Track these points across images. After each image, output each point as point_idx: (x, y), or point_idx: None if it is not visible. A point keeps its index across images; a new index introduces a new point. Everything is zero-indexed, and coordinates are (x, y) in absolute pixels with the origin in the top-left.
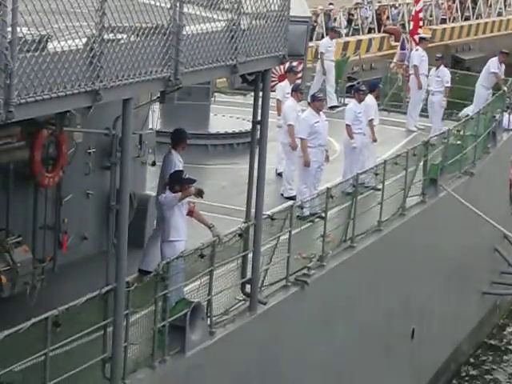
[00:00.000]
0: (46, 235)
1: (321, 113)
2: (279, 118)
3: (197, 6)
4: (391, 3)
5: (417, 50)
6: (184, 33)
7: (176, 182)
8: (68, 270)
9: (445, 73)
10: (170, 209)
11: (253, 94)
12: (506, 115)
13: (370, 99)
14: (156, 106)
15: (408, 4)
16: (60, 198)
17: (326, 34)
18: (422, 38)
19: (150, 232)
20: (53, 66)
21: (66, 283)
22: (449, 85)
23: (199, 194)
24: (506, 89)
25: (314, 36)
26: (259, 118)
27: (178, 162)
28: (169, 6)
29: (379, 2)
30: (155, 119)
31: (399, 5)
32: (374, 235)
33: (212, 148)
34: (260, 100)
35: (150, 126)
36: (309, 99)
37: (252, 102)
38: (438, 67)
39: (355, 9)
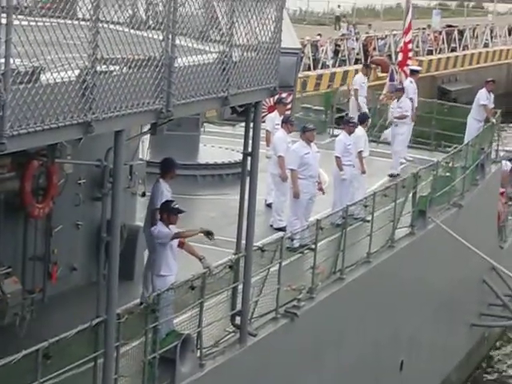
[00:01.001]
0: (35, 266)
1: (312, 144)
2: (268, 148)
3: (189, 38)
4: (378, 34)
5: (411, 82)
6: (176, 65)
7: (165, 211)
8: (57, 301)
9: (407, 103)
10: (162, 244)
11: (242, 124)
12: (494, 148)
13: (359, 131)
14: (146, 137)
15: (395, 35)
16: (50, 229)
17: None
18: (414, 71)
19: (140, 263)
20: (45, 97)
21: (56, 314)
22: (408, 114)
23: (208, 234)
24: (494, 121)
25: (301, 67)
26: (250, 150)
27: (167, 191)
28: (161, 37)
29: (366, 33)
30: (145, 150)
31: (386, 36)
32: (363, 267)
33: (201, 178)
34: (251, 131)
35: (140, 157)
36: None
37: (241, 132)
38: (399, 98)
39: (342, 40)
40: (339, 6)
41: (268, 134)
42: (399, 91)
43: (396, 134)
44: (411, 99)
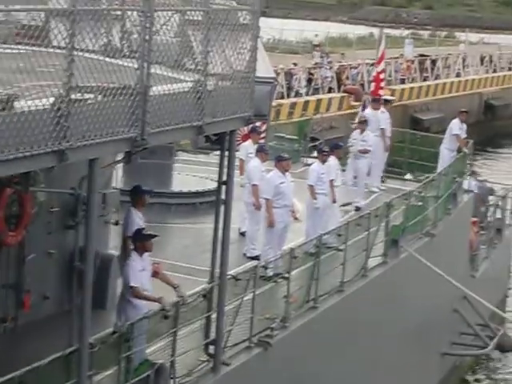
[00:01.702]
0: (7, 294)
1: (286, 173)
2: (242, 177)
3: (164, 67)
4: (351, 63)
5: (383, 112)
6: (151, 93)
7: (138, 240)
8: (30, 329)
9: (371, 137)
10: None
11: (216, 152)
12: (466, 178)
13: (332, 160)
14: (119, 165)
15: (367, 64)
16: (23, 257)
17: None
18: (386, 101)
19: (112, 292)
20: (20, 125)
21: (28, 343)
22: (371, 149)
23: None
24: (467, 151)
25: (274, 95)
26: (224, 178)
27: (139, 219)
28: (136, 66)
29: (339, 62)
30: (119, 178)
31: (358, 65)
32: (336, 296)
33: (175, 207)
34: (225, 160)
35: (114, 185)
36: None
37: (215, 161)
38: (362, 131)
39: (315, 68)
40: (316, 35)
41: (241, 163)
42: (362, 124)
43: (357, 167)
44: (382, 129)
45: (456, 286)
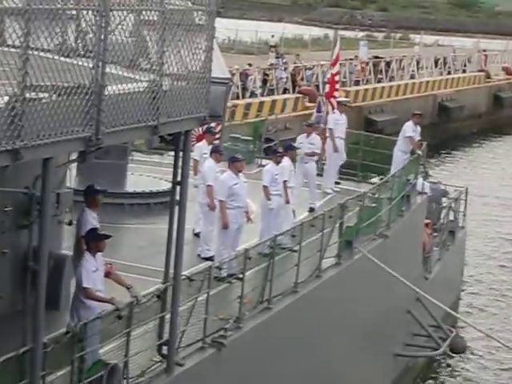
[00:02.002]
0: None
1: (240, 174)
2: (196, 177)
3: (119, 67)
4: (306, 64)
5: (334, 112)
6: (106, 93)
7: (92, 240)
8: None
9: (318, 140)
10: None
11: (170, 153)
12: (420, 179)
13: (285, 161)
14: (73, 165)
15: (322, 66)
16: None
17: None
18: (339, 102)
19: (66, 292)
20: None
21: None
22: (319, 151)
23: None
24: (420, 153)
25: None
26: (179, 179)
27: (92, 219)
28: (91, 65)
29: (294, 64)
30: (72, 178)
31: (313, 66)
32: (290, 296)
33: (129, 207)
34: (180, 160)
35: (68, 185)
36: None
37: (170, 161)
38: (309, 134)
39: (270, 69)
40: (273, 36)
41: (195, 163)
42: (309, 127)
43: (306, 171)
44: (330, 130)
45: (409, 287)
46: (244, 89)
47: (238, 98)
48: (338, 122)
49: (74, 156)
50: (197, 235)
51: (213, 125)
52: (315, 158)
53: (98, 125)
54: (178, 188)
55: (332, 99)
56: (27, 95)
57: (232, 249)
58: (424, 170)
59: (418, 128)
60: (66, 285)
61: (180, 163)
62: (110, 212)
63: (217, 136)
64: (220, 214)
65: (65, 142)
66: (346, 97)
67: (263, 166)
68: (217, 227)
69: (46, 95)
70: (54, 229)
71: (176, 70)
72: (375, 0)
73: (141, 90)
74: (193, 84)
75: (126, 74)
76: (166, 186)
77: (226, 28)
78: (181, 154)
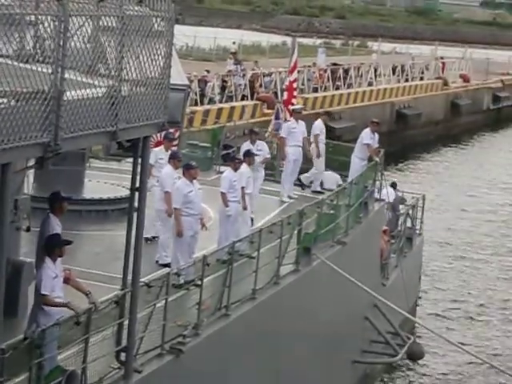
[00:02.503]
0: None
1: (194, 181)
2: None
3: (78, 72)
4: (264, 71)
5: (288, 121)
6: (65, 98)
7: (54, 245)
8: None
9: (264, 146)
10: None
11: (128, 160)
12: (389, 188)
13: (243, 167)
14: (30, 171)
15: (281, 72)
16: None
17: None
18: (293, 110)
19: (24, 299)
20: None
21: None
22: (269, 156)
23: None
24: (378, 160)
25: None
26: (137, 185)
27: (57, 225)
28: (49, 71)
29: (252, 70)
30: (30, 184)
31: (271, 73)
32: (248, 303)
33: (86, 214)
34: (139, 167)
35: (25, 191)
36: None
37: (127, 168)
38: (254, 141)
39: (228, 76)
40: (234, 43)
41: (150, 168)
42: (253, 133)
43: (257, 177)
44: (282, 138)
45: (367, 293)
46: (202, 95)
47: (196, 104)
48: (292, 131)
49: (31, 162)
50: (147, 239)
51: (171, 131)
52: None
53: (57, 130)
54: (137, 194)
55: (290, 106)
56: None
57: (188, 255)
58: (387, 177)
59: (376, 135)
60: (23, 291)
61: (138, 169)
62: (67, 218)
63: (175, 142)
64: (174, 221)
65: (23, 147)
66: (304, 104)
67: (221, 172)
68: (172, 234)
69: (5, 101)
70: (12, 235)
71: (135, 76)
72: (333, 7)
73: (99, 95)
74: (152, 90)
75: (84, 79)
76: (124, 192)
77: (185, 35)
78: (139, 160)
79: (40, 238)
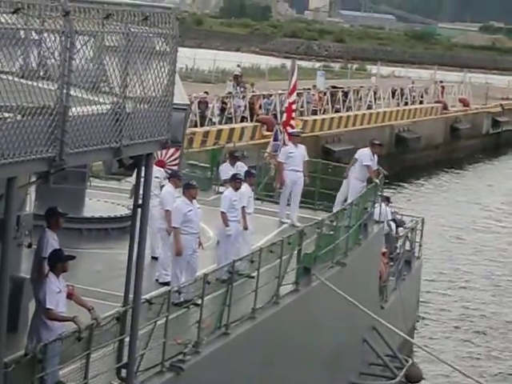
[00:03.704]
0: None
1: (194, 200)
2: None
3: (83, 90)
4: (264, 93)
5: (286, 145)
6: (70, 114)
7: (57, 260)
8: None
9: (243, 168)
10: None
11: (128, 179)
12: (383, 206)
13: (244, 187)
14: (32, 189)
15: (280, 95)
16: None
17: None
18: (292, 134)
19: (24, 315)
20: None
21: None
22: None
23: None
24: (378, 181)
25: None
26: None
27: (53, 240)
28: (55, 87)
29: (252, 92)
30: (31, 202)
31: (271, 95)
32: (248, 322)
33: (87, 232)
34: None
35: (27, 209)
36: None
37: (127, 187)
38: (234, 164)
39: (228, 98)
40: (238, 66)
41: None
42: (233, 157)
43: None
44: (280, 163)
45: (366, 315)
46: (202, 117)
47: (196, 125)
48: (290, 155)
49: (33, 178)
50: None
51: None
52: None
53: (62, 145)
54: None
55: (288, 128)
56: None
57: (190, 274)
58: (384, 197)
59: (375, 157)
60: (24, 307)
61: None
62: (67, 237)
63: (175, 162)
64: (173, 240)
65: (29, 161)
66: (304, 126)
67: (220, 193)
68: (171, 253)
69: (11, 115)
70: (14, 251)
71: (139, 93)
72: (332, 31)
73: (104, 111)
74: (155, 107)
75: (89, 96)
76: (124, 211)
77: (185, 56)
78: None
79: (37, 252)
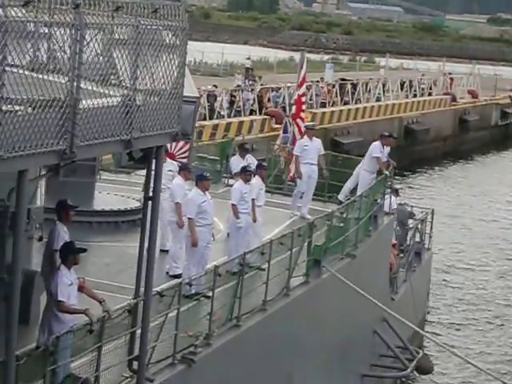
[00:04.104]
0: None
1: (206, 192)
2: None
3: (93, 82)
4: (272, 86)
5: (301, 138)
6: (80, 106)
7: (69, 252)
8: None
9: (253, 160)
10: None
11: (138, 172)
12: (390, 198)
13: (255, 179)
14: (41, 182)
15: (289, 87)
16: None
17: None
18: (305, 127)
19: (36, 308)
20: None
21: None
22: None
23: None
24: (388, 173)
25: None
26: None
27: (64, 233)
28: (65, 80)
29: (261, 85)
30: (41, 195)
31: (280, 88)
32: (258, 314)
33: (96, 225)
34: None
35: (37, 202)
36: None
37: (136, 180)
38: (244, 156)
39: (237, 91)
40: (248, 58)
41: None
42: (242, 149)
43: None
44: (296, 156)
45: (376, 307)
46: (211, 110)
47: (205, 119)
48: (305, 148)
49: (43, 171)
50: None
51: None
52: None
53: (73, 138)
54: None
55: (299, 120)
56: (3, 107)
57: (201, 266)
58: (394, 188)
59: (386, 149)
60: (35, 300)
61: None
62: (77, 230)
63: (185, 154)
64: (189, 232)
65: (40, 154)
66: (313, 119)
67: (230, 185)
68: (186, 245)
69: (22, 108)
70: (25, 245)
71: (149, 85)
72: (339, 23)
73: (114, 104)
74: (165, 99)
75: (99, 89)
76: (134, 204)
77: (195, 49)
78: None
79: (48, 245)
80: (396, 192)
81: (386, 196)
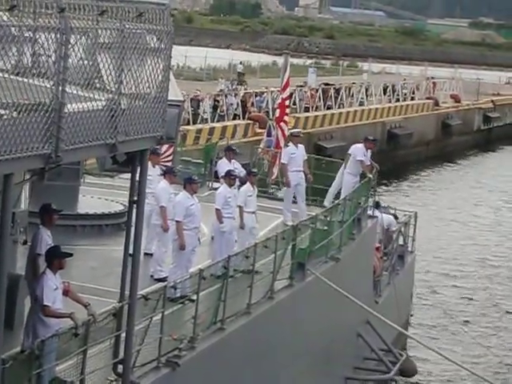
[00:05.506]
0: None
1: (194, 195)
2: None
3: (78, 86)
4: (256, 91)
5: (287, 146)
6: (65, 110)
7: (54, 257)
8: None
9: (238, 165)
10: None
11: (121, 176)
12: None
13: (245, 186)
14: (26, 186)
15: (272, 92)
16: None
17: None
18: (291, 135)
19: (20, 313)
20: None
21: None
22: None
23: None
24: (371, 176)
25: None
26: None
27: (47, 237)
28: (50, 84)
29: (244, 90)
30: (26, 199)
31: (263, 93)
32: (243, 318)
33: (80, 229)
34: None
35: (22, 205)
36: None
37: (120, 184)
38: (231, 159)
39: (220, 95)
40: (241, 63)
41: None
42: (230, 151)
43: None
44: (283, 164)
45: (360, 310)
46: (195, 115)
47: (188, 123)
48: (292, 156)
49: (28, 176)
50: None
51: (158, 146)
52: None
53: (58, 142)
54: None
55: (282, 124)
56: None
57: (185, 270)
58: (375, 194)
59: (369, 152)
60: (20, 304)
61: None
62: (61, 233)
63: (169, 158)
64: (177, 235)
65: (25, 158)
66: (296, 123)
67: (214, 189)
68: (173, 248)
69: (7, 112)
70: (9, 248)
71: (134, 89)
72: (322, 27)
73: (99, 108)
74: (150, 103)
75: (84, 93)
76: (117, 207)
77: (179, 54)
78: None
79: (31, 249)
80: (377, 204)
81: (377, 213)
